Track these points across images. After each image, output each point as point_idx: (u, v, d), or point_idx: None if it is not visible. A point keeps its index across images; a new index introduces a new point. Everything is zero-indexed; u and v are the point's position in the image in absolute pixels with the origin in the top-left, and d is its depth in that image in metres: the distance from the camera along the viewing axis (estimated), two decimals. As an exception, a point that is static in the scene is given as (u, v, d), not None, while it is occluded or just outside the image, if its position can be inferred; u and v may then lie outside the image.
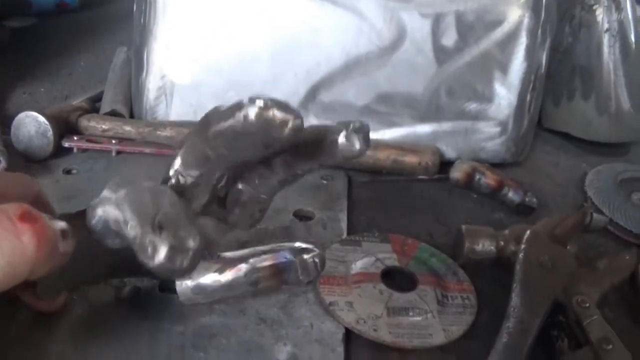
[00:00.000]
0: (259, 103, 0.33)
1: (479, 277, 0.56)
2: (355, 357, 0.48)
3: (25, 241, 0.33)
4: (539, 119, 0.82)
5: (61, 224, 0.36)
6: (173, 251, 0.34)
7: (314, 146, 0.40)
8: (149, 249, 0.33)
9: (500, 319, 0.48)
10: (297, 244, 0.46)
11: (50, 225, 0.35)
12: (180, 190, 0.40)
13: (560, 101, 0.88)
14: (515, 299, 0.50)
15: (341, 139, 0.39)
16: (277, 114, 0.33)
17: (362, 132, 0.39)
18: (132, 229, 0.35)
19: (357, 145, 0.39)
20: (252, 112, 0.33)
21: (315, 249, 0.46)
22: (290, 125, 0.34)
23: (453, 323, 0.50)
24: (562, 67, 0.87)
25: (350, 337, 0.49)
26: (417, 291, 0.53)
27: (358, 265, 0.54)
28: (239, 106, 0.34)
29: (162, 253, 0.33)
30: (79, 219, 0.39)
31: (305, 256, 0.45)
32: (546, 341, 0.49)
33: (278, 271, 0.46)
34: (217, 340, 0.46)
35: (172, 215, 0.36)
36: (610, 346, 0.46)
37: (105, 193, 0.38)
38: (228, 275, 0.46)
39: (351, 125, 0.39)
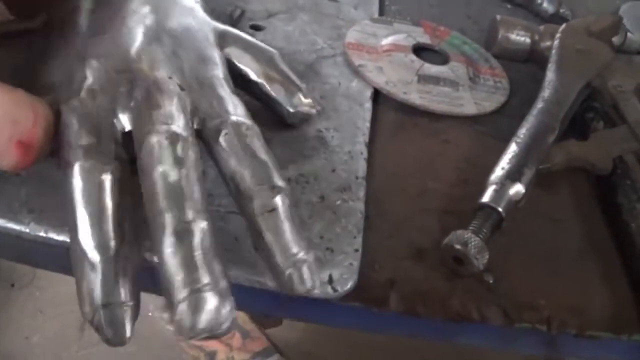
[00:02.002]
0: None
1: (512, 69, 0.54)
2: (383, 116, 0.46)
3: None
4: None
5: None
6: None
7: None
8: None
9: (533, 104, 0.47)
10: None
11: None
12: None
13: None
14: (550, 75, 0.48)
15: None
16: None
17: None
18: None
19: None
20: None
21: None
22: None
23: (485, 99, 0.49)
24: None
25: (378, 98, 0.47)
26: (449, 66, 0.51)
27: (389, 39, 0.52)
28: None
29: None
30: None
31: None
32: (581, 125, 0.48)
33: None
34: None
35: None
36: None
37: None
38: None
39: None
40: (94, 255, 0.29)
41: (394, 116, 0.46)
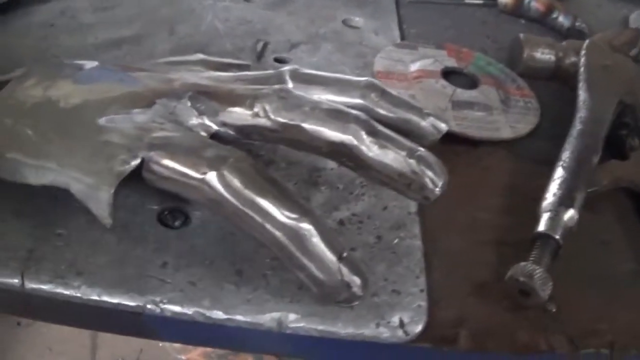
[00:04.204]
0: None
1: (538, 88, 0.54)
2: (421, 145, 0.46)
3: None
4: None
5: None
6: None
7: None
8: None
9: (564, 124, 0.47)
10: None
11: None
12: None
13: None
14: (583, 94, 0.48)
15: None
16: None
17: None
18: None
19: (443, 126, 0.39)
20: None
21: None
22: None
23: (518, 121, 0.49)
24: None
25: (415, 127, 0.47)
26: (480, 90, 0.50)
27: (417, 65, 0.52)
28: None
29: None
30: None
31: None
32: (615, 142, 0.48)
33: None
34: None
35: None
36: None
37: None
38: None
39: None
40: (305, 225, 0.30)
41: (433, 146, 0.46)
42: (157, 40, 0.52)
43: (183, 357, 1.15)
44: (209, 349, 1.16)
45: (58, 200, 0.37)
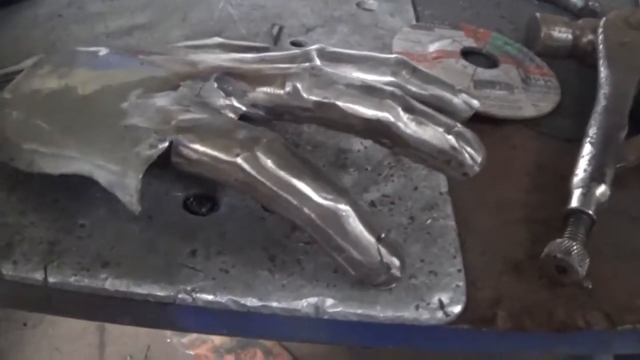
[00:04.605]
0: None
1: (556, 67, 0.53)
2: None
3: None
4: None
5: None
6: None
7: None
8: None
9: (585, 101, 0.47)
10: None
11: None
12: None
13: None
14: (604, 71, 0.48)
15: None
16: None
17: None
18: None
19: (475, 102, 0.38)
20: None
21: None
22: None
23: (540, 100, 0.48)
24: None
25: (438, 108, 0.46)
26: (500, 69, 0.50)
27: (435, 45, 0.51)
28: None
29: None
30: None
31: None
32: (638, 117, 0.47)
33: None
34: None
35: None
36: None
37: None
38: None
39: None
40: (342, 205, 0.30)
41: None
42: (169, 27, 0.51)
43: (191, 353, 1.14)
44: (217, 343, 1.15)
45: (76, 190, 0.36)
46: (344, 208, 0.30)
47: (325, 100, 0.33)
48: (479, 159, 0.33)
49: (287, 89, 0.34)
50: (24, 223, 0.34)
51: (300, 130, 0.41)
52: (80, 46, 0.44)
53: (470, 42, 0.52)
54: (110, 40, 0.49)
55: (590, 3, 0.62)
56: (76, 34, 0.50)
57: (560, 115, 0.48)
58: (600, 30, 0.52)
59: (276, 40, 0.50)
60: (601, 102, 0.45)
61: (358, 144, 0.40)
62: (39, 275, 0.32)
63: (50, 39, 0.49)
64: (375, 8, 0.56)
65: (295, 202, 0.30)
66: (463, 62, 0.49)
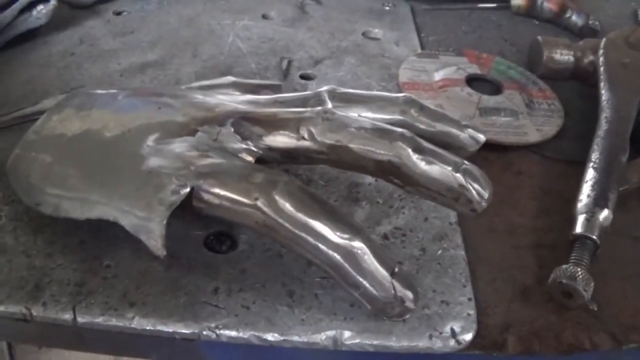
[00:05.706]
0: None
1: (559, 88, 0.55)
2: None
3: None
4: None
5: None
6: None
7: None
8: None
9: (588, 122, 0.48)
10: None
11: None
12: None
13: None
14: (605, 94, 0.49)
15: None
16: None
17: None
18: None
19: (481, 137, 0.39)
20: None
21: None
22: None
23: (544, 124, 0.49)
24: None
25: (444, 136, 0.48)
26: (505, 95, 0.51)
27: (440, 73, 0.52)
28: None
29: None
30: None
31: None
32: (638, 139, 0.49)
33: None
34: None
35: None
36: None
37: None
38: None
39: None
40: (357, 243, 0.31)
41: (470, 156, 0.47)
42: (181, 64, 0.53)
43: None
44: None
45: (101, 231, 0.37)
46: (359, 246, 0.31)
47: (338, 144, 0.35)
48: (486, 195, 0.35)
49: (301, 132, 0.35)
50: (51, 265, 0.36)
51: (314, 166, 0.42)
52: (95, 86, 0.45)
53: (474, 69, 0.54)
54: (124, 80, 0.51)
55: (590, 22, 0.64)
56: (90, 72, 0.52)
57: (564, 138, 0.49)
58: (600, 51, 0.53)
59: (286, 74, 0.52)
60: (603, 126, 0.46)
61: (369, 178, 0.42)
62: (68, 316, 0.34)
63: (64, 78, 0.51)
64: (381, 37, 0.58)
65: (313, 241, 0.31)
66: (468, 89, 0.51)
